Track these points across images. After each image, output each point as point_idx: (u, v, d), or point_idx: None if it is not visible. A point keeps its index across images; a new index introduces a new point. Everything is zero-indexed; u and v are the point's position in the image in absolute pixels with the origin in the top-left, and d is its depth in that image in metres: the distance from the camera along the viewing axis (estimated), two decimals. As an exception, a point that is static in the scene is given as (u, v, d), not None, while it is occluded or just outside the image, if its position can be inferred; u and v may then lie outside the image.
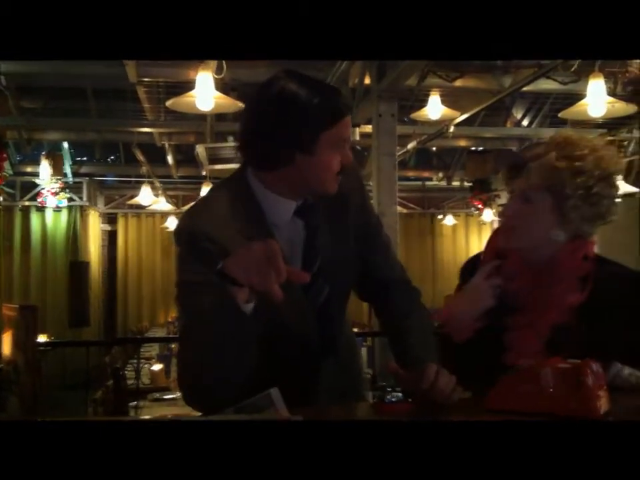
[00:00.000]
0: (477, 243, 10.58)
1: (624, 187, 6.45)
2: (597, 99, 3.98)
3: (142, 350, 6.16)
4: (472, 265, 1.68)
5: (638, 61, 3.80)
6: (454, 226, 10.51)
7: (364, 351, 4.91)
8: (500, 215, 1.60)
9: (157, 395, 4.32)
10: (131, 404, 4.04)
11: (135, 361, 4.57)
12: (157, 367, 4.86)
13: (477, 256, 1.70)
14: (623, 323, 1.47)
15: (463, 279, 1.69)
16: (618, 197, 1.50)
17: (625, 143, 7.15)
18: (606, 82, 4.05)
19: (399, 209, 6.86)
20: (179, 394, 4.27)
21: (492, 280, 1.54)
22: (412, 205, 10.31)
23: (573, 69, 3.94)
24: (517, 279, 1.54)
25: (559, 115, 4.67)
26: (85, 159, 9.29)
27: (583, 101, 4.13)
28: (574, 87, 4.79)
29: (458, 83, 4.95)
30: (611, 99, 4.05)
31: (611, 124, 6.24)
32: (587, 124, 6.34)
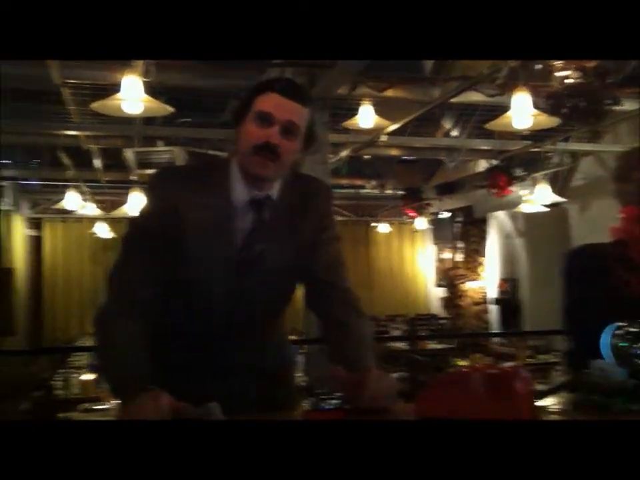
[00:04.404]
0: (410, 251, 10.74)
1: (551, 197, 6.68)
2: (522, 111, 4.12)
3: (71, 359, 5.99)
4: (591, 259, 1.74)
5: (559, 75, 3.96)
6: (388, 234, 10.64)
7: (300, 358, 4.89)
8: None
9: (88, 406, 4.20)
10: (60, 415, 3.92)
11: (64, 370, 4.44)
12: (88, 376, 4.73)
13: (596, 248, 1.74)
14: None
15: (572, 268, 1.73)
16: None
17: (550, 154, 7.42)
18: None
19: (333, 216, 6.89)
20: (110, 404, 4.18)
21: None
22: (346, 213, 10.36)
23: (497, 82, 4.07)
24: None
25: (486, 126, 4.81)
26: (8, 162, 8.91)
27: (507, 113, 4.26)
28: (500, 100, 4.94)
29: (388, 93, 5.03)
30: (535, 111, 4.19)
31: (537, 136, 6.45)
32: (513, 135, 6.56)
